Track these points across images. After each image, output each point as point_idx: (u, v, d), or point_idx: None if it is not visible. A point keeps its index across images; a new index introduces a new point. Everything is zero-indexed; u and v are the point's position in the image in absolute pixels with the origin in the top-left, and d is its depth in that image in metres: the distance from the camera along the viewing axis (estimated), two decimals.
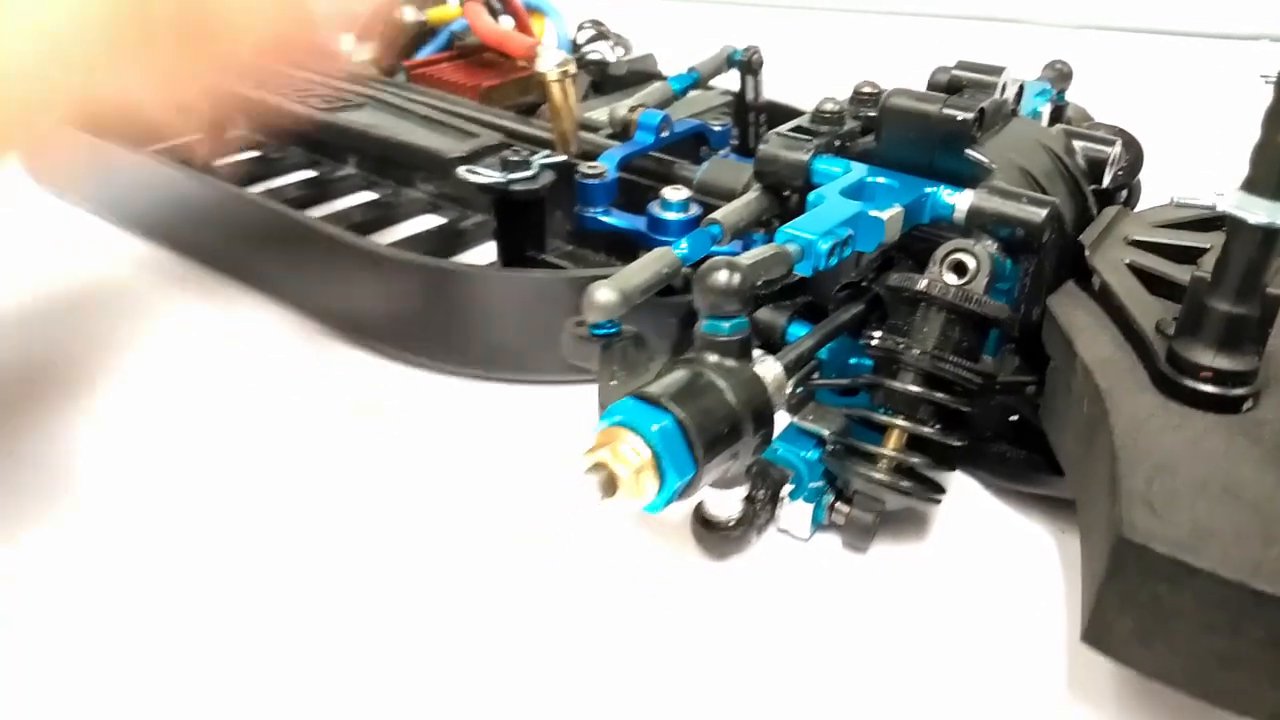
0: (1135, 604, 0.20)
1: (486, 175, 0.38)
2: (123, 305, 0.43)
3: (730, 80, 0.50)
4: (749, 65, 0.45)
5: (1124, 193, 0.37)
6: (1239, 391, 0.24)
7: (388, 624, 0.27)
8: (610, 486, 0.22)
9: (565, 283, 0.35)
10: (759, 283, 0.25)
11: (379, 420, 0.35)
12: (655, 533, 0.30)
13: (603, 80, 0.57)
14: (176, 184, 0.44)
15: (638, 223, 0.38)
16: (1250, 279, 0.23)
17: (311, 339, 0.40)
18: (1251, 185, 0.22)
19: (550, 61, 0.40)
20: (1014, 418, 0.31)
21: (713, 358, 0.24)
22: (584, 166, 0.38)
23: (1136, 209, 0.37)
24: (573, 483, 0.22)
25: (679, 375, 0.24)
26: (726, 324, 0.24)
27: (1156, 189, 0.37)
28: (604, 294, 0.27)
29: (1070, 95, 0.41)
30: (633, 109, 0.41)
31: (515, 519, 0.30)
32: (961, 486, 0.32)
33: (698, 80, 0.44)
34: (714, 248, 0.31)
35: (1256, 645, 0.19)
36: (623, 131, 0.41)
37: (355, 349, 0.39)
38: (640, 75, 0.57)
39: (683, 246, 0.30)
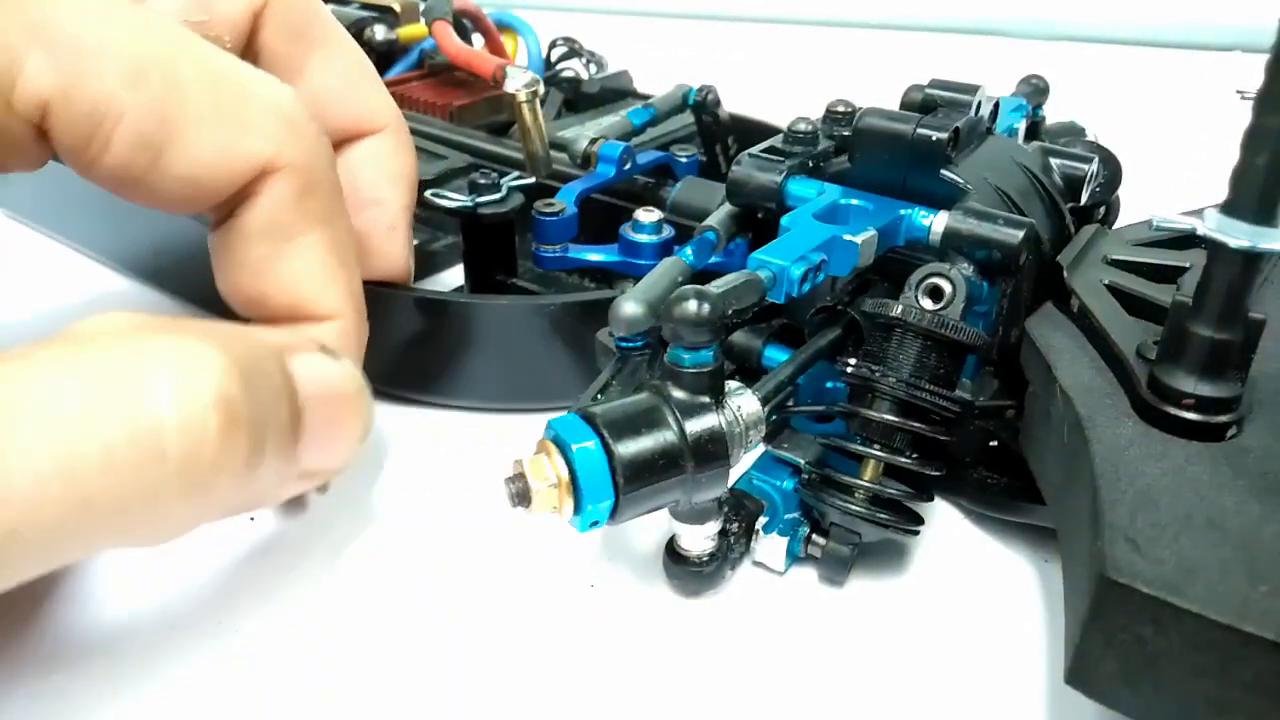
0: (1119, 645, 0.19)
1: (454, 199, 0.37)
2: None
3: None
4: (703, 105, 0.45)
5: (1102, 209, 0.36)
6: (1222, 419, 0.23)
7: (340, 659, 0.25)
8: (523, 497, 0.22)
9: (532, 309, 0.34)
10: (729, 312, 0.24)
11: None
12: (625, 565, 0.29)
13: (576, 98, 0.56)
14: (133, 208, 0.43)
15: (603, 252, 0.37)
16: (1232, 304, 0.22)
17: None
18: (1231, 208, 0.21)
19: (518, 82, 0.39)
20: (994, 443, 0.31)
21: (676, 389, 0.24)
22: (540, 204, 0.37)
23: (1115, 225, 0.36)
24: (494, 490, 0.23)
25: (632, 400, 0.24)
26: (688, 355, 0.23)
27: (1132, 201, 0.37)
28: (630, 307, 0.27)
29: (1046, 108, 0.41)
30: (593, 141, 0.40)
31: (473, 551, 0.29)
32: (941, 514, 0.31)
33: (655, 117, 0.44)
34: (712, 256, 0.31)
35: (1246, 689, 0.18)
36: (584, 164, 0.40)
37: None
38: (615, 93, 0.56)
39: (688, 253, 0.30)
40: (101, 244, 0.47)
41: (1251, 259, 0.21)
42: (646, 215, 0.37)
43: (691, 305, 0.23)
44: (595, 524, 0.23)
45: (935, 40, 0.97)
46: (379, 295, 0.35)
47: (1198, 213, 0.23)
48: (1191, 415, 0.23)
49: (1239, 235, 0.21)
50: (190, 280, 0.43)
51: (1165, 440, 0.23)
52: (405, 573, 0.29)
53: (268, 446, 0.21)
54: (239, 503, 0.22)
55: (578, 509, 0.23)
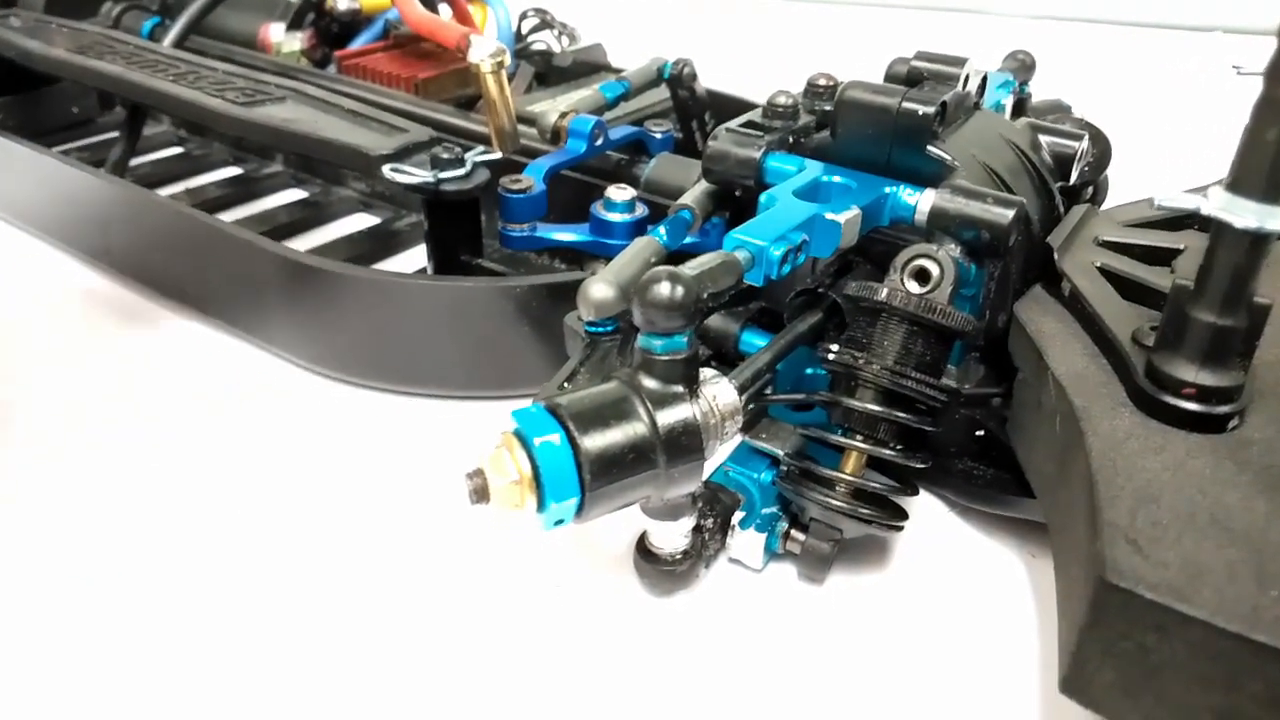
0: (1119, 654, 0.18)
1: (415, 174, 0.35)
2: (22, 313, 0.40)
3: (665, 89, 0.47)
4: (679, 80, 0.43)
5: (1090, 189, 0.35)
6: (1224, 409, 0.22)
7: (311, 661, 0.24)
8: (482, 494, 0.21)
9: (497, 292, 0.32)
10: (705, 295, 0.23)
11: (295, 436, 0.33)
12: (593, 563, 0.27)
13: (548, 72, 0.54)
14: (81, 185, 0.41)
15: (573, 231, 0.35)
16: (1236, 288, 0.21)
17: (227, 351, 0.37)
18: (1237, 185, 0.20)
19: (482, 51, 0.37)
20: (980, 432, 0.29)
21: (647, 378, 0.22)
22: (506, 180, 0.35)
23: (1104, 206, 0.35)
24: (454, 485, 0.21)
25: (600, 390, 0.22)
26: (659, 341, 0.22)
27: (1118, 180, 0.35)
28: (599, 289, 0.25)
29: (1030, 86, 0.40)
30: (563, 115, 0.38)
31: (432, 548, 0.28)
32: (925, 507, 0.30)
33: (628, 91, 0.42)
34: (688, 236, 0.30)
35: (1256, 702, 0.17)
36: (553, 139, 0.38)
37: (276, 361, 0.37)
38: (587, 66, 0.55)
39: (661, 233, 0.29)
40: (24, 213, 0.45)
41: (1258, 240, 0.20)
42: (619, 193, 0.35)
43: (664, 288, 0.22)
44: (560, 522, 0.22)
45: (917, 16, 0.95)
46: (336, 276, 0.33)
47: (1201, 190, 0.22)
48: (1192, 405, 0.22)
49: (1245, 214, 0.20)
50: (102, 243, 0.41)
51: (1165, 432, 0.22)
52: (359, 574, 0.27)
53: None
54: None
55: (541, 506, 0.21)
